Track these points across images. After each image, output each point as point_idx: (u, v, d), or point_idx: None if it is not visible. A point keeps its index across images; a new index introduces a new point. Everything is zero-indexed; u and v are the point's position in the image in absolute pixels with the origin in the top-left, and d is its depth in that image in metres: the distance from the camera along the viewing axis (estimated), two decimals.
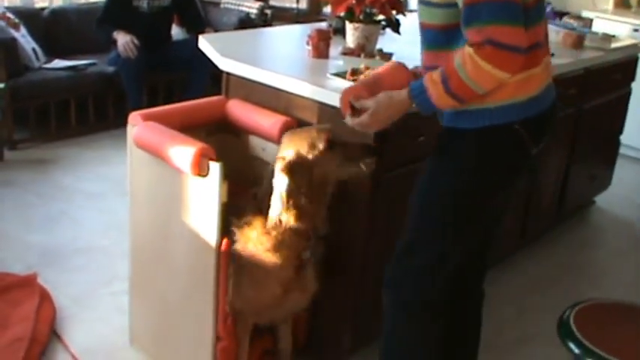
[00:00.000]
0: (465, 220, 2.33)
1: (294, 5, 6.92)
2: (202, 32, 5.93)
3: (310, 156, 2.44)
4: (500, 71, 2.04)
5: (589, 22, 5.32)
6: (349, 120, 2.32)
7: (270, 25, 6.83)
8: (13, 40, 5.36)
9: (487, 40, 2.01)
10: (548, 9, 5.10)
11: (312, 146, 2.45)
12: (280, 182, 2.40)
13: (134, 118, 2.84)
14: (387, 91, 2.27)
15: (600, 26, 5.46)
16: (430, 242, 2.35)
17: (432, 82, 2.14)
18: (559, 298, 3.80)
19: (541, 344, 3.41)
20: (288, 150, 2.46)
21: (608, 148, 4.88)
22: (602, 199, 5.13)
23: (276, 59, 3.36)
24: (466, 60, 2.06)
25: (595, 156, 4.61)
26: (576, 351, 2.16)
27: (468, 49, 2.05)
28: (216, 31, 6.00)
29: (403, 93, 2.23)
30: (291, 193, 2.40)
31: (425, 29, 2.30)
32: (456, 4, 2.12)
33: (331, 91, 2.73)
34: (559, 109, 2.36)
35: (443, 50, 2.23)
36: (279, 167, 2.41)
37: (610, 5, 6.56)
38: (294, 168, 2.41)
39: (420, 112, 2.24)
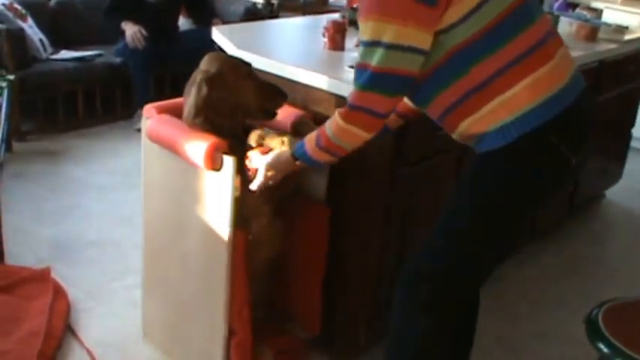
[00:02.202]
0: (497, 231, 2.26)
1: None
2: (211, 22, 5.94)
3: (231, 77, 2.59)
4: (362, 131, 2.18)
5: (600, 12, 5.27)
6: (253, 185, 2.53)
7: (276, 14, 6.82)
8: (21, 30, 5.33)
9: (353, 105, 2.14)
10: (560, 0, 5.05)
11: (233, 70, 2.60)
12: (200, 92, 2.55)
13: (148, 110, 2.81)
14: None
15: (610, 17, 5.42)
16: (457, 249, 2.27)
17: (308, 140, 2.32)
18: (573, 293, 3.80)
19: (555, 339, 3.39)
20: (214, 65, 2.59)
21: (619, 141, 4.86)
22: (612, 192, 5.11)
23: (291, 51, 3.34)
24: (331, 120, 2.21)
25: (607, 149, 4.59)
26: (606, 350, 2.14)
27: (337, 110, 2.20)
28: (224, 22, 5.96)
29: (287, 152, 2.44)
30: (206, 104, 2.55)
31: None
32: None
33: (349, 84, 2.69)
34: (586, 103, 2.25)
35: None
36: (200, 77, 2.55)
37: None
38: (214, 82, 2.55)
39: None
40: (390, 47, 2.01)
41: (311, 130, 2.47)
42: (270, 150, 2.54)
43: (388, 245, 2.88)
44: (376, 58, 2.03)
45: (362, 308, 2.96)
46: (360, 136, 2.18)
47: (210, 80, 2.55)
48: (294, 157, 2.39)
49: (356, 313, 2.97)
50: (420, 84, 2.14)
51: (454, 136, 2.27)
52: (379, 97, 2.09)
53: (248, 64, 2.69)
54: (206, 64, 2.62)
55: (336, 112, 2.18)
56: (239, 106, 2.62)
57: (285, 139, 2.55)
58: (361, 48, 2.09)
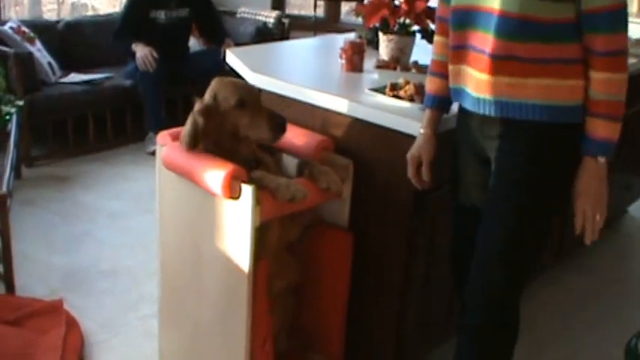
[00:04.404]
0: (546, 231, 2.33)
1: (312, 13, 6.80)
2: (222, 43, 5.89)
3: (222, 106, 2.53)
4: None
5: None
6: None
7: (288, 33, 6.77)
8: (30, 54, 5.28)
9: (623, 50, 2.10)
10: None
11: (226, 99, 2.53)
12: (194, 122, 2.52)
13: (163, 137, 2.73)
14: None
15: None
16: (519, 255, 2.28)
17: (603, 126, 2.13)
18: (602, 315, 3.70)
19: None
20: (209, 95, 2.57)
21: None
22: (635, 208, 5.01)
23: (308, 74, 3.27)
24: (606, 82, 2.10)
25: (631, 165, 4.49)
26: None
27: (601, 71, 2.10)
28: (235, 42, 5.90)
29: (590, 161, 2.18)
30: (203, 133, 2.51)
31: (507, 17, 2.13)
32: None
33: (371, 108, 2.63)
34: None
35: (523, 42, 2.14)
36: (196, 107, 2.52)
37: (634, 8, 6.43)
38: (208, 112, 2.51)
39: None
40: None
41: (312, 170, 2.53)
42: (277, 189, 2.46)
43: (413, 270, 2.79)
44: None
45: (386, 335, 2.88)
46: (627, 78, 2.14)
47: (205, 111, 2.52)
48: (603, 155, 2.17)
49: (380, 340, 2.89)
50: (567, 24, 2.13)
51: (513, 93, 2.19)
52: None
53: (250, 90, 2.63)
54: (208, 91, 2.60)
55: (600, 71, 2.09)
56: (238, 134, 2.55)
57: (283, 181, 2.47)
58: None
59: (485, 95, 2.19)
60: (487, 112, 2.21)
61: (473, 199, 2.43)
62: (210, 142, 2.53)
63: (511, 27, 2.10)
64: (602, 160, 2.14)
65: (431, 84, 2.49)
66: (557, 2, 2.07)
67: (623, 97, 2.11)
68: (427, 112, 2.48)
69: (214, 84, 2.60)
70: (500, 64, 2.14)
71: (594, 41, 2.08)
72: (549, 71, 2.12)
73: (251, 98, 2.55)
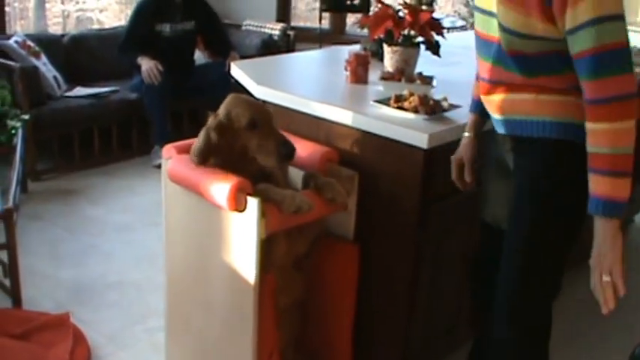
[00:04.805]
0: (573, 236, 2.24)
1: (317, 25, 6.82)
2: (228, 56, 5.90)
3: (235, 125, 2.52)
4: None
5: None
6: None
7: (293, 45, 6.77)
8: (35, 68, 5.29)
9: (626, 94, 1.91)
10: None
11: (237, 118, 2.52)
12: (206, 138, 2.53)
13: (168, 150, 2.74)
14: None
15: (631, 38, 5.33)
16: (547, 261, 2.24)
17: (595, 186, 1.96)
18: (612, 326, 3.67)
19: None
20: (223, 111, 2.57)
21: None
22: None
23: (313, 86, 3.27)
24: (593, 133, 1.95)
25: (637, 175, 4.47)
26: None
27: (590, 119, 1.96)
28: (242, 57, 5.91)
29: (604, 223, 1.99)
30: (213, 150, 2.52)
31: (498, 47, 2.16)
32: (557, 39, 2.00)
33: (376, 120, 2.64)
34: None
35: (514, 72, 2.14)
36: (210, 123, 2.54)
37: (639, 17, 6.43)
38: (221, 128, 2.52)
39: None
40: (617, 18, 1.89)
41: (317, 182, 2.53)
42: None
43: (419, 282, 2.78)
44: (614, 34, 1.89)
45: (393, 346, 2.87)
46: (633, 127, 1.92)
47: (218, 127, 2.52)
48: (604, 215, 1.97)
49: (387, 352, 2.89)
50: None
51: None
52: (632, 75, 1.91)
53: (262, 111, 2.60)
54: (222, 107, 2.59)
55: (591, 121, 1.95)
56: (246, 153, 2.55)
57: (288, 193, 2.47)
58: (585, 31, 1.91)
59: (493, 114, 2.25)
60: (498, 130, 2.27)
61: (496, 217, 2.43)
62: (220, 158, 2.53)
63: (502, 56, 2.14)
64: (607, 220, 1.96)
65: (475, 89, 2.50)
66: (536, 40, 2.03)
67: (624, 149, 1.91)
68: (470, 116, 2.52)
69: (229, 100, 2.59)
70: (494, 86, 2.19)
71: (583, 87, 1.96)
72: (539, 91, 2.10)
73: (263, 120, 2.54)
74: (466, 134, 2.50)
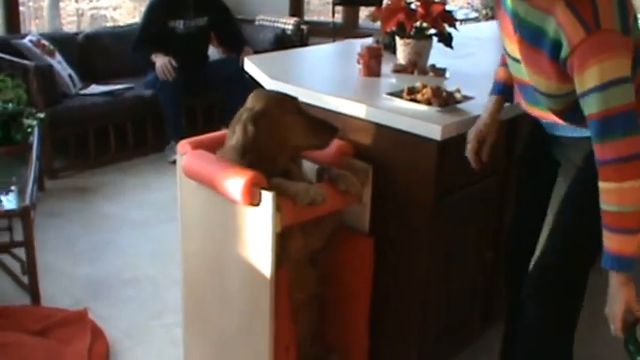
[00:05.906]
0: None
1: (330, 19, 6.82)
2: (241, 51, 5.90)
3: (275, 113, 2.50)
4: None
5: None
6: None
7: (307, 40, 6.77)
8: (50, 67, 5.32)
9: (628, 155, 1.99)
10: None
11: (279, 106, 2.51)
12: (245, 131, 2.47)
13: (183, 146, 2.74)
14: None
15: None
16: (583, 251, 2.34)
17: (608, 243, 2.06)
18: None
19: None
20: (258, 103, 2.51)
21: None
22: None
23: (326, 80, 3.27)
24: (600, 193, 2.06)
25: None
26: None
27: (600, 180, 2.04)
28: (255, 52, 5.90)
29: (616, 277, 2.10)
30: (254, 143, 2.46)
31: (532, 89, 2.26)
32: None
33: (389, 112, 2.63)
34: None
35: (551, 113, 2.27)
36: (246, 115, 2.48)
37: None
38: (260, 120, 2.47)
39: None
40: (622, 81, 1.97)
41: (331, 174, 2.55)
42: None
43: (434, 274, 2.78)
44: (619, 97, 1.97)
45: (409, 340, 2.87)
46: None
47: (256, 118, 2.47)
48: (614, 269, 2.08)
49: (403, 345, 2.88)
50: None
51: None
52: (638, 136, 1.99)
53: (294, 98, 2.61)
54: (251, 101, 2.55)
55: (601, 180, 2.04)
56: (286, 142, 2.53)
57: (302, 185, 2.47)
58: (591, 97, 2.00)
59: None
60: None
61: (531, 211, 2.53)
62: (255, 153, 2.48)
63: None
64: (619, 274, 2.07)
65: (500, 73, 2.54)
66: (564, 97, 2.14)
67: (633, 207, 1.99)
68: (492, 98, 2.54)
69: (258, 94, 2.57)
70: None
71: (594, 149, 2.04)
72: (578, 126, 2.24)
73: (302, 106, 2.58)
74: (487, 113, 2.51)
